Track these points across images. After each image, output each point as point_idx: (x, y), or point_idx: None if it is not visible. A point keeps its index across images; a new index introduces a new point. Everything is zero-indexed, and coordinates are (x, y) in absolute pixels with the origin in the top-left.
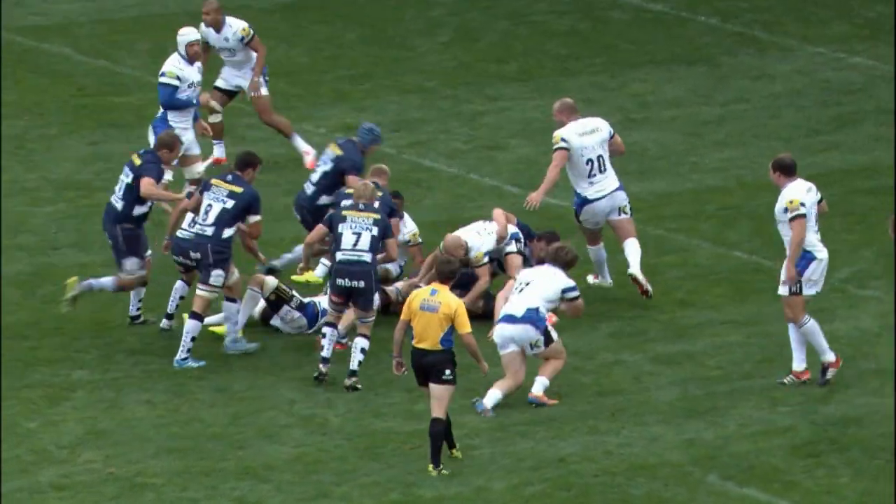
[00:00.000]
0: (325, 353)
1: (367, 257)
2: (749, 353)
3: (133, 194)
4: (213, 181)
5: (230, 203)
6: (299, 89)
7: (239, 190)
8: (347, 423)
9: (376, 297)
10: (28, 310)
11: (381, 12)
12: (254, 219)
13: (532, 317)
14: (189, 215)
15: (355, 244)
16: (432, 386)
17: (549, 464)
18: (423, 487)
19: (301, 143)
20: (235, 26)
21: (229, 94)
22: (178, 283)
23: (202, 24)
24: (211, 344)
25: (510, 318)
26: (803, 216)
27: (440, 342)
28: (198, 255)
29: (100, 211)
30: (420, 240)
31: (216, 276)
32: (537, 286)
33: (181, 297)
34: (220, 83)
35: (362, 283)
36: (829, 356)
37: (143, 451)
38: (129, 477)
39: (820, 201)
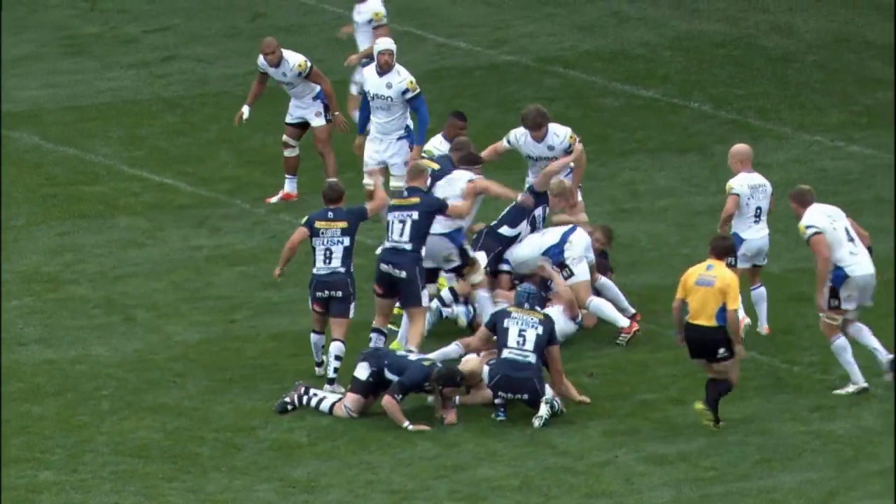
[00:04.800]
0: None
1: None
2: (746, 453)
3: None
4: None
5: (346, 241)
6: (276, 178)
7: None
8: None
9: None
10: None
11: None
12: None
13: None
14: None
15: None
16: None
17: None
18: None
19: None
20: (292, 62)
21: (300, 127)
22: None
23: (261, 58)
24: (182, 444)
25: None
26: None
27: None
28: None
29: (67, 304)
30: None
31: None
32: None
33: None
34: (287, 118)
35: None
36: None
37: None
38: None
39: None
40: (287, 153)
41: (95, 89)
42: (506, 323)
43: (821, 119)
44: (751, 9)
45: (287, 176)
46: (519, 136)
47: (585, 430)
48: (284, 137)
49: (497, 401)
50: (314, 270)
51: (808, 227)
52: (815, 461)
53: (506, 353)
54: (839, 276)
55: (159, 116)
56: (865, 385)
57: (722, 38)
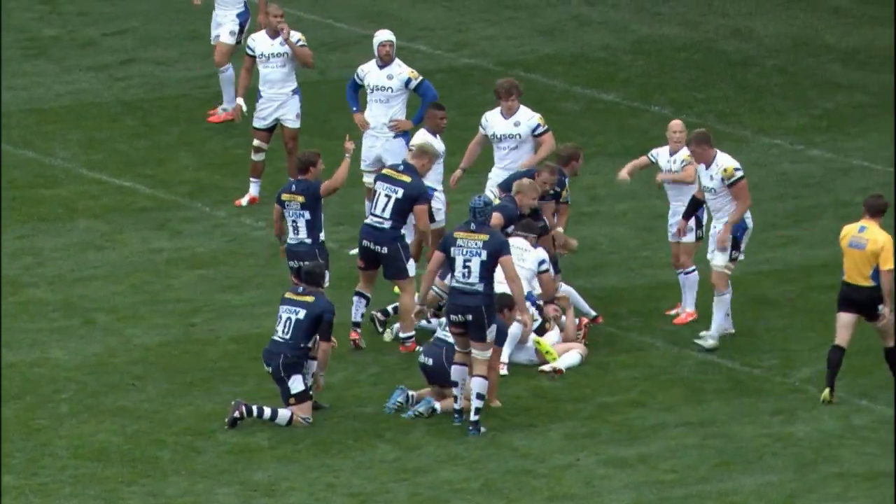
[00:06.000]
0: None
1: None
2: (705, 456)
3: None
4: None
5: (306, 214)
6: (237, 181)
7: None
8: None
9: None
10: None
11: (323, 101)
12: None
13: None
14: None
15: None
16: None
17: None
18: None
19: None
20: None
21: (270, 131)
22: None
23: (255, 38)
24: (142, 447)
25: None
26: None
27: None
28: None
29: (26, 308)
30: None
31: None
32: None
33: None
34: (257, 123)
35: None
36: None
37: None
38: None
39: None
40: (256, 157)
41: (55, 92)
42: (452, 252)
43: (781, 122)
44: (711, 13)
45: (252, 179)
46: (487, 115)
47: (547, 432)
48: (256, 142)
49: (450, 328)
50: (287, 239)
51: (737, 169)
52: (774, 464)
53: (454, 283)
54: (742, 227)
55: (119, 119)
56: (716, 344)
57: (682, 42)
